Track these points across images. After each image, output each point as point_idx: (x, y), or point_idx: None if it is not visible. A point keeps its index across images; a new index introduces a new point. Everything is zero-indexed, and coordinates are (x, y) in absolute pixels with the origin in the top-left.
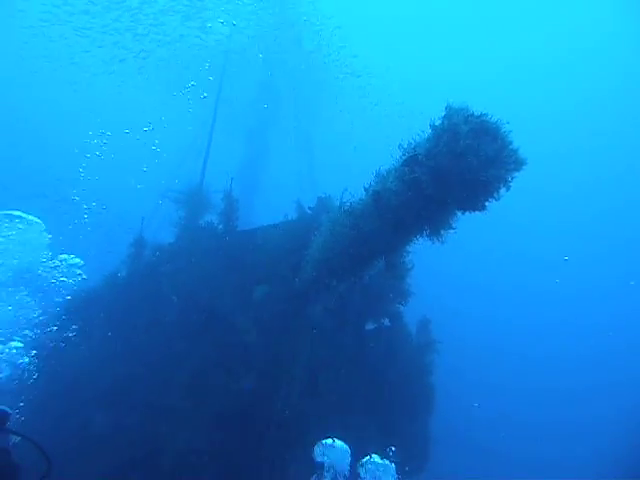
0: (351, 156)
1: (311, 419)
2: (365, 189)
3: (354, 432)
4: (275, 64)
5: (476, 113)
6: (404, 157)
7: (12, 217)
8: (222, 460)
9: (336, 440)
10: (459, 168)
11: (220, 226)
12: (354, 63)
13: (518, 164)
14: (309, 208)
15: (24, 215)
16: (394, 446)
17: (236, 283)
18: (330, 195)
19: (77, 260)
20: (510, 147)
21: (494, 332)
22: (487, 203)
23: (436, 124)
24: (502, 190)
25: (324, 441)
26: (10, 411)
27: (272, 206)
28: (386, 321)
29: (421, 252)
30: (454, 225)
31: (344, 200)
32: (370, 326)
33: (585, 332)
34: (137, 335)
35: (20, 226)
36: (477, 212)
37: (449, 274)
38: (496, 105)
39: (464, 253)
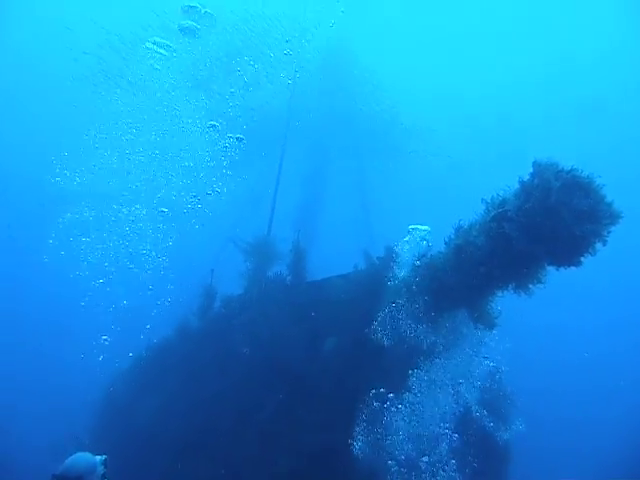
0: (404, 205)
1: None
2: (445, 242)
3: None
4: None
5: (566, 168)
6: (492, 213)
7: None
8: None
9: None
10: (552, 224)
11: (289, 277)
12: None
13: (614, 218)
14: (377, 258)
15: None
16: None
17: (306, 335)
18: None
19: None
20: (604, 201)
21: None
22: (582, 258)
23: (525, 180)
24: (598, 245)
25: None
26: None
27: (330, 255)
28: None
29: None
30: (543, 279)
31: (421, 252)
32: None
33: None
34: (209, 386)
35: None
36: (572, 267)
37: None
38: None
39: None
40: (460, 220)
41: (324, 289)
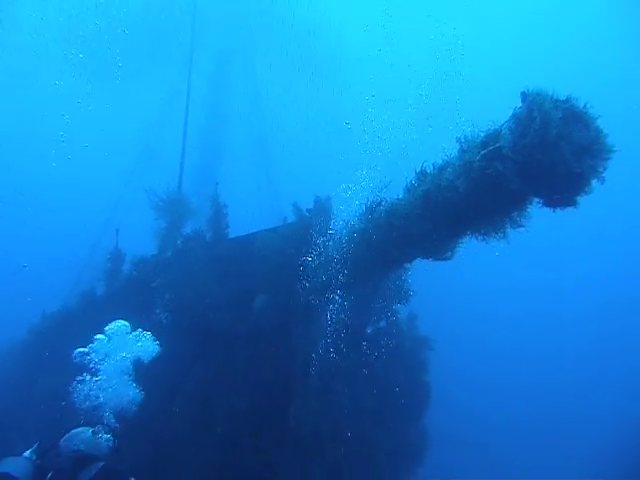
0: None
1: (325, 432)
2: (407, 188)
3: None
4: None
5: (562, 97)
6: (482, 152)
7: None
8: None
9: None
10: (550, 160)
11: (209, 234)
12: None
13: (610, 152)
14: (307, 210)
15: None
16: None
17: (233, 294)
18: (329, 196)
19: None
20: (603, 134)
21: (492, 327)
22: (578, 198)
23: (519, 113)
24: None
25: None
26: None
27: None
28: (382, 322)
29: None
30: (524, 223)
31: (374, 201)
32: (370, 329)
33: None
34: None
35: None
36: (568, 208)
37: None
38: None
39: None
40: (423, 163)
41: (251, 244)
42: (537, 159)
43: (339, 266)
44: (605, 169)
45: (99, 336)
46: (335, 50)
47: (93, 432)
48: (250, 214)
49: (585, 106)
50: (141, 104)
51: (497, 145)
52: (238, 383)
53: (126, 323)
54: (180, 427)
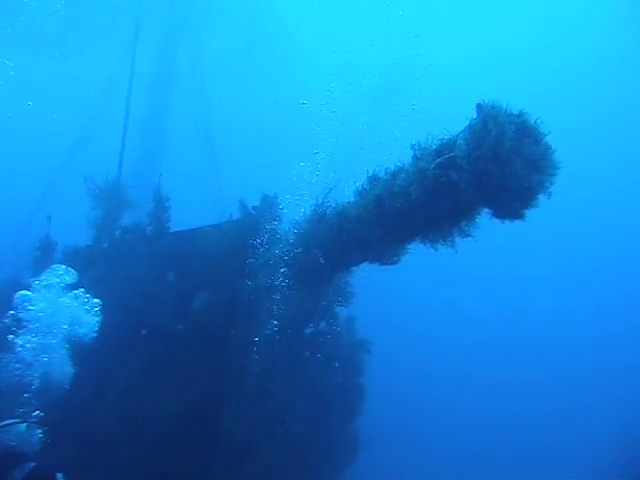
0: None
1: (260, 433)
2: (359, 192)
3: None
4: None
5: (514, 112)
6: (437, 160)
7: None
8: None
9: None
10: (502, 173)
11: (150, 227)
12: None
13: (557, 169)
14: (253, 207)
15: None
16: None
17: (172, 290)
18: (276, 194)
19: None
20: (551, 150)
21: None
22: (526, 211)
23: (475, 124)
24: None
25: None
26: None
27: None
28: (322, 324)
29: None
30: (471, 233)
31: (325, 203)
32: (309, 330)
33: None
34: None
35: None
36: (516, 220)
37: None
38: None
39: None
40: (376, 168)
41: (193, 240)
42: (490, 171)
43: (283, 266)
44: (552, 184)
45: (24, 292)
46: (288, 31)
47: (27, 426)
48: (192, 208)
49: (536, 122)
50: (79, 86)
51: (452, 154)
52: (173, 382)
53: (71, 270)
54: (110, 425)
